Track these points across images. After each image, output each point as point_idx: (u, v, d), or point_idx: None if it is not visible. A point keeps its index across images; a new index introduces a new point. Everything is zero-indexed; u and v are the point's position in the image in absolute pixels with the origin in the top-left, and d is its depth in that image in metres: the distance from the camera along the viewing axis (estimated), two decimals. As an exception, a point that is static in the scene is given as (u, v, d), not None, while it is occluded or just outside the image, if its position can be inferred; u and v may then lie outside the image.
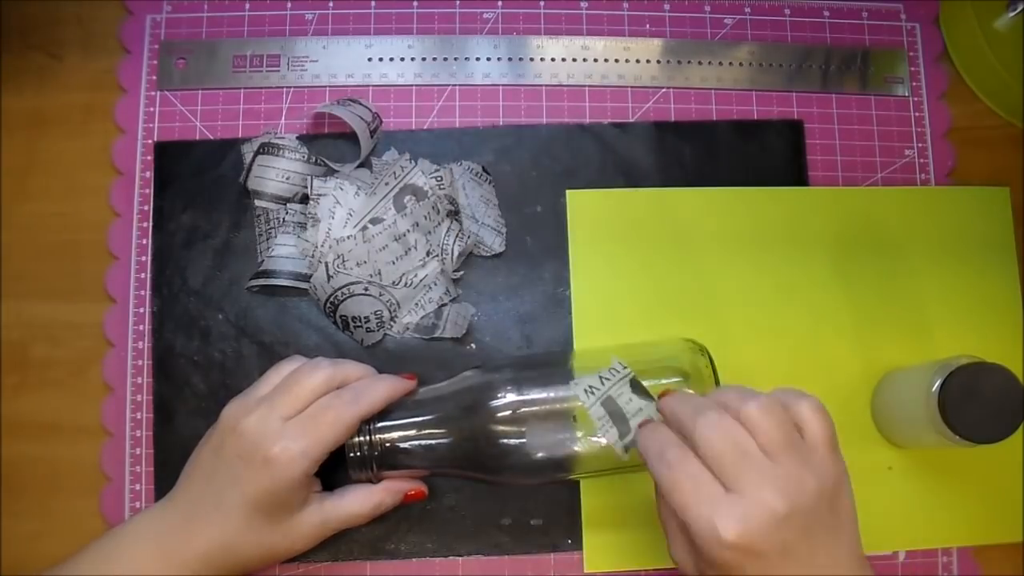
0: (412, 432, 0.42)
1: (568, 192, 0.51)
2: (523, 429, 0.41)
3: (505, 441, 0.41)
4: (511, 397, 0.42)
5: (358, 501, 0.43)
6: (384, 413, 0.43)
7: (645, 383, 0.41)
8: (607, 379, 0.41)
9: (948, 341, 0.50)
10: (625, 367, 0.41)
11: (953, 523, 0.49)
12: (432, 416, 0.43)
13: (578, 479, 0.47)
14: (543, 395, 0.42)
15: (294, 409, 0.41)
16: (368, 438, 0.42)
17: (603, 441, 0.40)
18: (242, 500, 0.40)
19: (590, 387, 0.41)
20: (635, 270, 0.50)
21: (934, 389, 0.43)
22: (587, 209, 0.51)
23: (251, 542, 0.41)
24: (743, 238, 0.51)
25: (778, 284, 0.51)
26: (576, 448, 0.42)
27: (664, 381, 0.43)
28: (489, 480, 0.44)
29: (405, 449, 0.42)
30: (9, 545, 0.47)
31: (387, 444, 0.42)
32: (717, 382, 0.42)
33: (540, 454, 0.42)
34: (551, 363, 0.45)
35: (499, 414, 0.42)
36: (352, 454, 0.42)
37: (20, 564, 0.47)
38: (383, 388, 0.43)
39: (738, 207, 0.51)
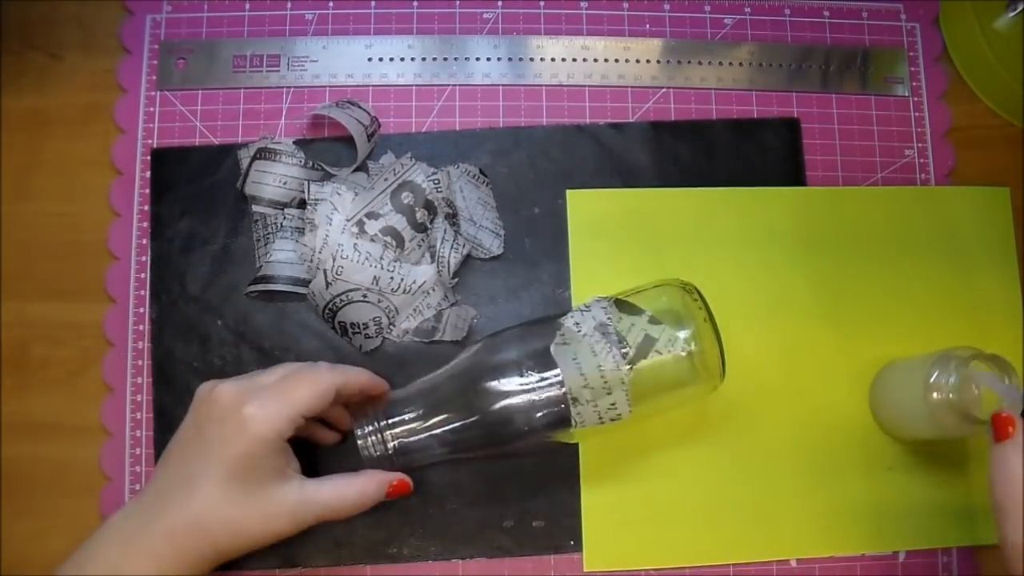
0: (421, 417, 0.42)
1: (568, 192, 0.51)
2: (526, 384, 0.41)
3: (509, 402, 0.41)
4: (509, 355, 0.42)
5: (339, 486, 0.42)
6: (388, 409, 0.43)
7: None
8: (587, 308, 0.42)
9: (947, 338, 0.50)
10: (606, 296, 0.42)
11: (953, 523, 0.49)
12: (438, 397, 0.42)
13: (582, 432, 0.45)
14: (538, 345, 0.42)
15: (271, 379, 0.41)
16: (380, 434, 0.42)
17: (605, 366, 0.40)
18: (214, 467, 0.39)
19: (576, 322, 0.41)
20: (635, 270, 0.50)
21: (931, 380, 0.43)
22: (587, 209, 0.51)
23: (221, 517, 0.39)
24: (743, 237, 0.51)
25: (778, 282, 0.51)
26: (580, 387, 0.41)
27: (657, 306, 0.42)
28: (504, 452, 0.43)
29: (418, 438, 0.42)
30: (9, 545, 0.47)
31: (400, 436, 0.42)
32: (709, 313, 0.42)
33: (544, 409, 0.41)
34: (543, 321, 0.44)
35: (500, 375, 0.41)
36: (366, 454, 0.42)
37: (20, 564, 0.47)
38: (364, 371, 0.43)
39: (738, 207, 0.51)
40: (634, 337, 0.41)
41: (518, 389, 0.41)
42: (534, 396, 0.41)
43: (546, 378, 0.41)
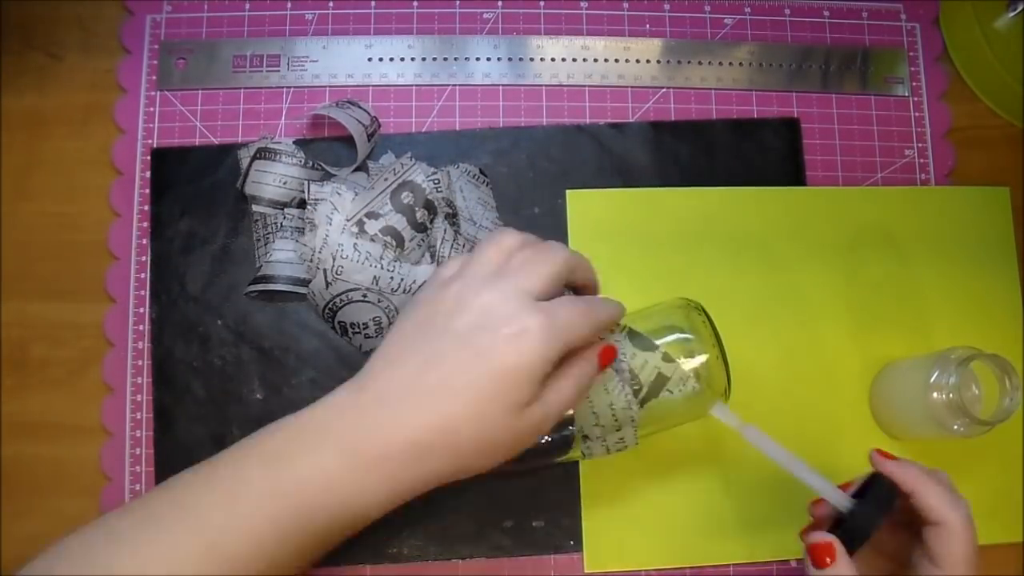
0: None
1: (568, 192, 0.51)
2: None
3: None
4: None
5: (570, 383, 0.36)
6: None
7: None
8: (601, 340, 0.40)
9: (948, 338, 0.50)
10: (619, 325, 0.41)
11: (953, 523, 0.49)
12: None
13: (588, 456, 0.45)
14: None
15: (538, 289, 0.35)
16: None
17: (617, 405, 0.40)
18: (481, 376, 0.33)
19: None
20: (635, 270, 0.50)
21: (932, 380, 0.43)
22: (587, 209, 0.51)
23: (476, 431, 0.34)
24: (743, 238, 0.51)
25: (778, 282, 0.51)
26: (591, 425, 0.41)
27: (667, 338, 0.42)
28: (503, 472, 0.43)
29: None
30: (9, 545, 0.47)
31: None
32: (717, 337, 0.42)
33: (551, 438, 0.41)
34: None
35: None
36: None
37: (20, 564, 0.47)
38: (617, 309, 0.39)
39: (738, 207, 0.51)
40: (647, 376, 0.40)
41: None
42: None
43: None
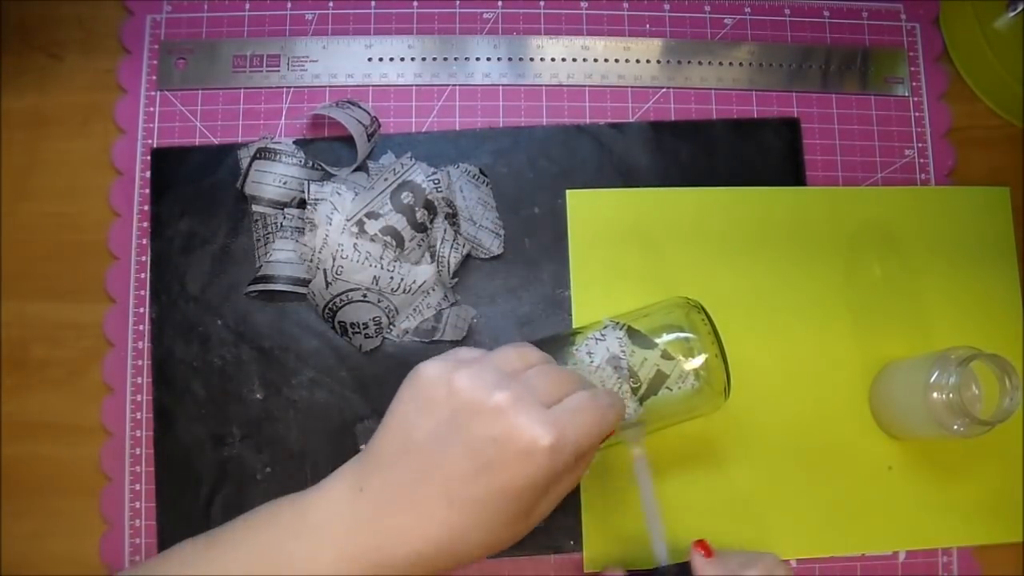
0: None
1: (568, 192, 0.51)
2: None
3: None
4: None
5: (572, 478, 0.36)
6: None
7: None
8: (601, 338, 0.41)
9: (948, 338, 0.50)
10: (617, 322, 0.41)
11: (953, 523, 0.49)
12: None
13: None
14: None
15: (553, 397, 0.34)
16: None
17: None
18: (494, 492, 0.32)
19: (589, 352, 0.40)
20: (635, 269, 0.50)
21: (932, 380, 0.43)
22: (587, 209, 0.51)
23: (479, 541, 0.33)
24: (744, 237, 0.51)
25: (778, 282, 0.51)
26: None
27: (667, 337, 0.42)
28: None
29: None
30: (9, 545, 0.47)
31: None
32: (716, 336, 0.42)
33: None
34: (555, 340, 0.43)
35: None
36: None
37: (20, 564, 0.47)
38: (621, 409, 0.37)
39: (739, 206, 0.51)
40: (646, 373, 0.40)
41: None
42: None
43: None
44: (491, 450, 0.32)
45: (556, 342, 0.43)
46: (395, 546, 0.32)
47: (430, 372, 0.34)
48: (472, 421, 0.32)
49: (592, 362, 0.40)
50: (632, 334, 0.41)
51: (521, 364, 0.35)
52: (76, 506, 0.48)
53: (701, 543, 0.43)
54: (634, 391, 0.40)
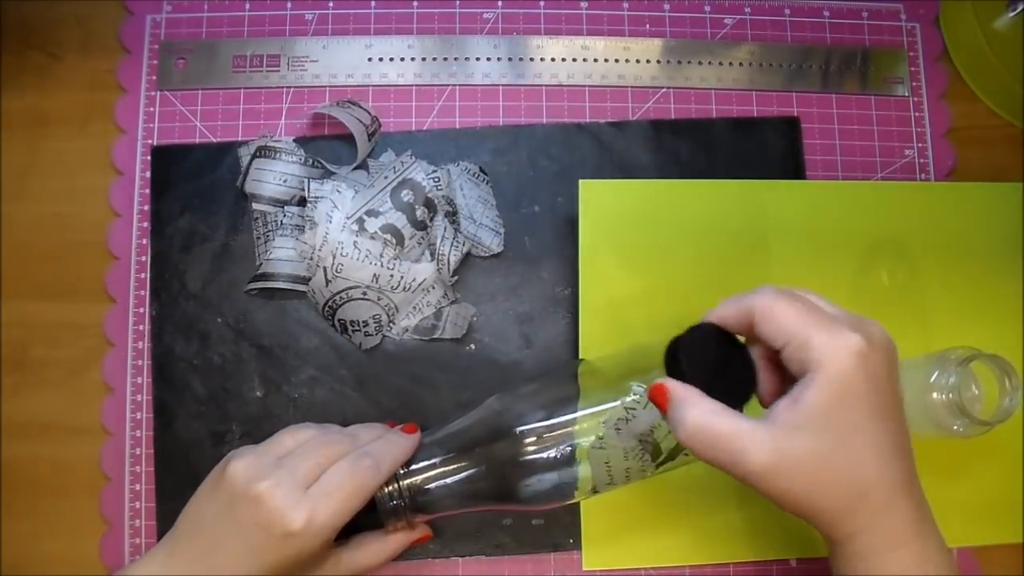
0: (441, 473, 0.41)
1: (581, 182, 0.49)
2: (550, 456, 0.40)
3: (532, 471, 0.40)
4: (534, 424, 0.40)
5: (372, 553, 0.42)
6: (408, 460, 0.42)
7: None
8: (633, 409, 0.39)
9: (953, 338, 0.50)
10: (643, 385, 0.40)
11: (953, 523, 0.49)
12: (458, 454, 0.41)
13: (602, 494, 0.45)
14: (566, 420, 0.40)
15: (314, 476, 0.39)
16: (398, 487, 0.41)
17: (632, 469, 0.40)
18: (266, 569, 0.38)
19: (617, 428, 0.39)
20: (645, 262, 0.50)
21: (932, 380, 0.43)
22: (599, 200, 0.50)
23: None
24: (752, 231, 0.51)
25: (786, 278, 0.50)
26: (604, 484, 0.41)
27: None
28: (519, 510, 0.43)
29: (437, 492, 0.41)
30: (9, 545, 0.47)
31: (419, 490, 0.41)
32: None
33: (568, 479, 0.40)
34: (566, 380, 0.43)
35: (525, 445, 0.40)
36: (384, 506, 0.41)
37: (20, 564, 0.47)
38: (399, 451, 0.41)
39: (747, 200, 0.51)
40: (668, 444, 0.40)
41: (541, 460, 0.40)
42: (554, 475, 0.40)
43: (568, 458, 0.40)
44: (257, 534, 0.37)
45: (568, 382, 0.42)
46: None
47: (225, 458, 0.39)
48: (241, 507, 0.37)
49: (619, 438, 0.39)
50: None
51: (293, 445, 0.40)
52: (76, 506, 0.48)
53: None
54: (653, 458, 0.40)
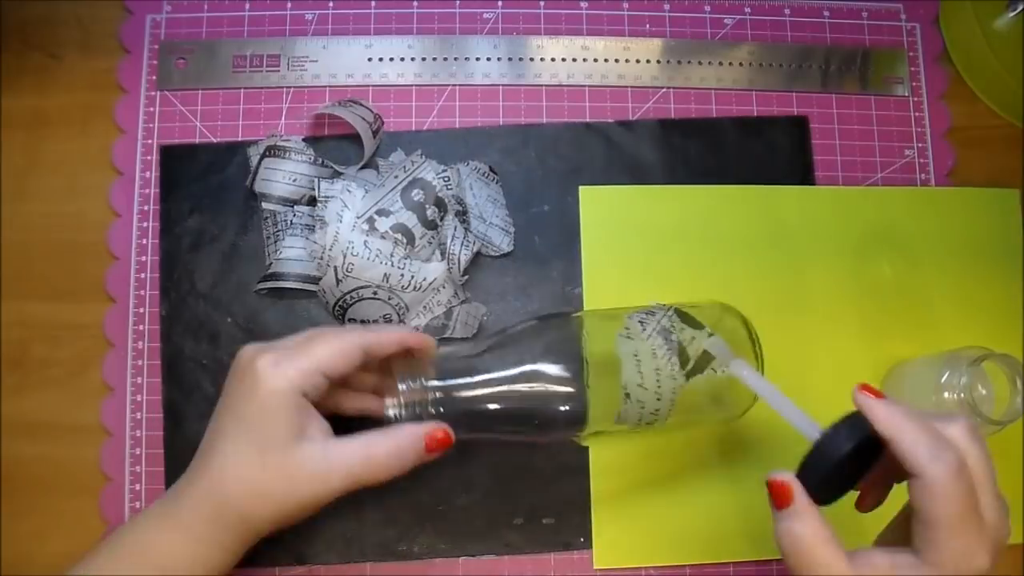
0: (473, 384, 0.39)
1: (581, 188, 0.50)
2: (579, 373, 0.40)
3: (564, 389, 0.39)
4: (568, 337, 0.41)
5: (369, 443, 0.38)
6: (432, 368, 0.40)
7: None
8: (651, 312, 0.41)
9: (956, 339, 0.50)
10: (664, 304, 0.41)
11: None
12: (493, 366, 0.40)
13: (596, 438, 0.44)
14: (600, 338, 0.40)
15: (297, 340, 0.39)
16: (423, 392, 0.39)
17: (663, 371, 0.39)
18: (230, 426, 0.38)
19: (641, 320, 0.40)
20: (647, 266, 0.50)
21: (943, 380, 0.43)
22: (599, 205, 0.50)
23: (238, 477, 0.37)
24: (755, 235, 0.51)
25: (788, 282, 0.51)
26: (635, 384, 0.40)
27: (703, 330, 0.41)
28: (539, 439, 0.43)
29: (466, 406, 0.39)
30: (9, 545, 0.47)
31: (447, 401, 0.39)
32: (756, 344, 0.41)
33: (594, 400, 0.40)
34: (560, 316, 0.43)
35: (559, 357, 0.40)
36: (403, 412, 0.38)
37: (20, 564, 0.47)
38: (395, 330, 0.40)
39: (750, 205, 0.51)
40: (694, 350, 0.40)
41: (571, 377, 0.40)
42: (590, 386, 0.39)
43: (605, 370, 0.40)
44: (234, 387, 0.39)
45: (561, 319, 0.43)
46: (185, 494, 0.38)
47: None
48: (228, 375, 0.39)
49: (644, 330, 0.40)
50: (680, 314, 0.41)
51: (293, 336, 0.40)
52: (76, 506, 0.48)
53: (865, 386, 0.36)
54: (682, 365, 0.40)
